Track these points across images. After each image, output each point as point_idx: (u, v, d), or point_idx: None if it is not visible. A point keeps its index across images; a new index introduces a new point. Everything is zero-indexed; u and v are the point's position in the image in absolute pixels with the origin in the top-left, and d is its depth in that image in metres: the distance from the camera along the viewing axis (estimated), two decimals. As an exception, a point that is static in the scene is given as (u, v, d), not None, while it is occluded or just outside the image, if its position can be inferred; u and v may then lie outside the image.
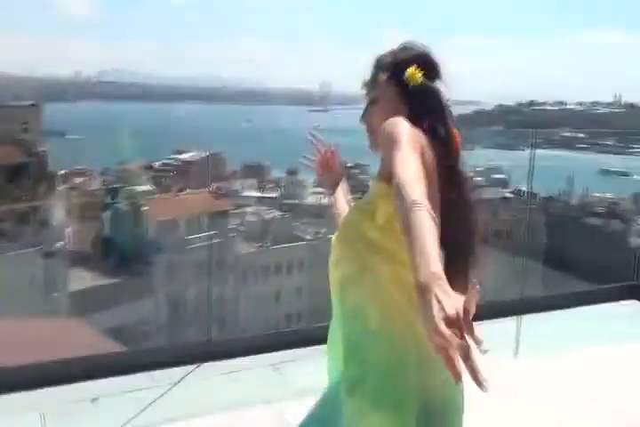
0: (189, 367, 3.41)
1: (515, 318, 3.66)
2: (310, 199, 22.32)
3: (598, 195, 32.61)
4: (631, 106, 73.92)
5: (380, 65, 1.39)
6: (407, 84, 1.33)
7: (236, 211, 19.01)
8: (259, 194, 23.28)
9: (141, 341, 15.56)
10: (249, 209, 21.07)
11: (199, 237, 19.11)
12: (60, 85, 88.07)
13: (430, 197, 1.07)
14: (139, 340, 15.28)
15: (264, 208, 21.04)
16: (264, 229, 19.47)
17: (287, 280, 18.64)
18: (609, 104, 75.34)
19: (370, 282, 1.25)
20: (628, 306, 4.02)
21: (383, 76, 1.38)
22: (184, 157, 34.16)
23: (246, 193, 22.33)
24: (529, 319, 3.71)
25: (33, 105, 20.52)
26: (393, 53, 1.39)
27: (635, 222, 27.43)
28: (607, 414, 2.92)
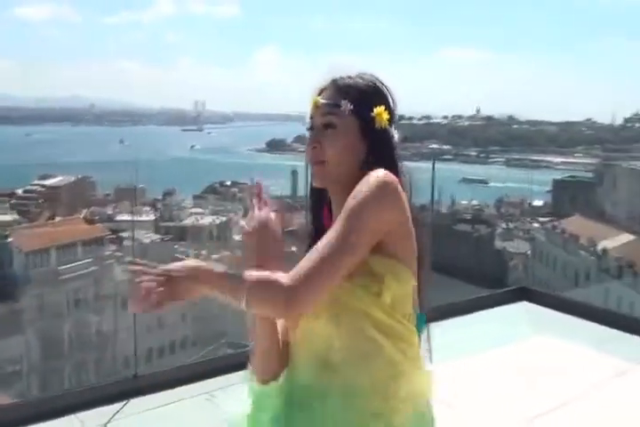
0: (117, 406, 3.29)
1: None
2: (188, 220, 21.92)
3: (465, 202, 34.71)
4: (488, 118, 79.55)
5: (345, 91, 1.31)
6: (372, 122, 1.31)
7: (111, 236, 18.24)
8: (134, 217, 22.52)
9: (11, 382, 14.53)
10: (125, 234, 20.33)
11: (73, 266, 18.16)
12: None
13: (410, 249, 1.22)
14: (8, 382, 14.28)
15: (142, 232, 20.37)
16: (143, 253, 18.83)
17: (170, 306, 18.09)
18: (470, 117, 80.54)
19: (377, 365, 1.18)
20: (520, 307, 4.36)
21: (348, 106, 1.29)
22: (50, 182, 32.40)
23: (120, 217, 21.51)
24: (436, 327, 3.87)
25: None
26: (358, 84, 1.34)
27: (498, 226, 29.44)
28: (514, 410, 3.12)
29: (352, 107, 1.29)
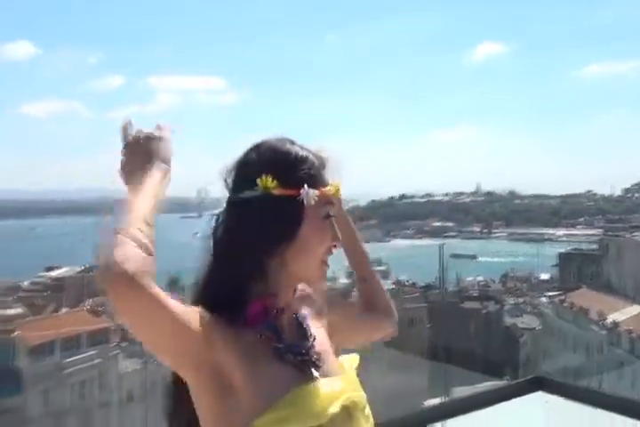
0: None
1: (439, 424, 3.67)
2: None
3: (470, 279, 34.53)
4: (489, 193, 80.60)
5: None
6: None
7: (116, 328, 18.08)
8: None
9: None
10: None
11: (78, 359, 17.89)
12: None
13: None
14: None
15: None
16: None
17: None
18: (471, 193, 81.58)
19: None
20: (536, 398, 4.24)
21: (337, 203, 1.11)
22: (55, 273, 32.49)
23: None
24: (453, 423, 3.73)
25: None
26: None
27: (506, 302, 29.10)
28: None
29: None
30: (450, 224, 73.01)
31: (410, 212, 75.01)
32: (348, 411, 0.94)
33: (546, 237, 63.72)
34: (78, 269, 30.19)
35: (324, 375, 0.95)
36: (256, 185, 0.98)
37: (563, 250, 37.91)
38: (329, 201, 1.02)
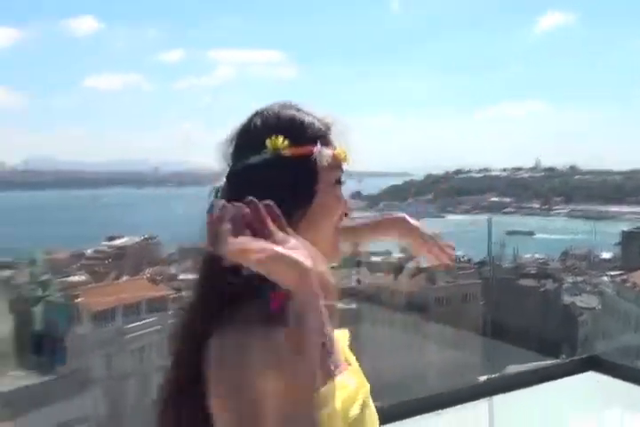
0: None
1: (486, 400, 3.64)
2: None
3: (528, 256, 33.84)
4: (550, 169, 78.30)
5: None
6: None
7: (175, 295, 18.60)
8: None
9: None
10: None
11: (139, 325, 18.51)
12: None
13: None
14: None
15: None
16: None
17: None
18: (530, 169, 79.38)
19: None
20: (588, 378, 4.15)
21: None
22: (117, 243, 33.54)
23: (183, 276, 21.95)
24: (499, 400, 3.70)
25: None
26: None
27: (565, 281, 28.47)
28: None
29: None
30: (507, 200, 71.47)
31: (466, 187, 73.72)
32: (361, 407, 0.90)
33: (608, 214, 61.66)
34: (138, 239, 31.10)
35: (335, 366, 0.90)
36: (264, 148, 0.90)
37: (626, 228, 36.63)
38: (339, 165, 0.96)
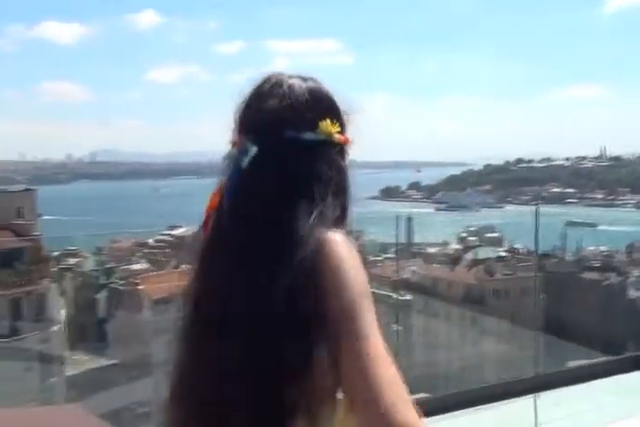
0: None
1: (531, 396, 3.54)
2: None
3: (592, 248, 32.75)
4: (616, 158, 75.34)
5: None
6: None
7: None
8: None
9: (140, 424, 15.11)
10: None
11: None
12: (52, 168, 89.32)
13: None
14: (137, 422, 14.83)
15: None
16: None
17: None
18: (595, 158, 76.57)
19: None
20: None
21: None
22: (178, 232, 34.28)
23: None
24: (545, 397, 3.60)
25: (28, 190, 20.78)
26: None
27: (631, 275, 27.44)
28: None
29: None
30: (571, 191, 69.36)
31: (527, 177, 71.86)
32: None
33: (681, 206, 58.95)
34: (196, 229, 31.70)
35: None
36: (316, 128, 0.90)
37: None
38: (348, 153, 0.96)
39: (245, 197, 0.88)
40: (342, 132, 0.93)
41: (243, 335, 0.83)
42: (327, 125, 0.90)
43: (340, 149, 0.92)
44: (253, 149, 0.90)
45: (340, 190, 0.90)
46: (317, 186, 0.87)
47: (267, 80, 0.94)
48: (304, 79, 0.95)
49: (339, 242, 0.84)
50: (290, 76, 0.95)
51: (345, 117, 0.95)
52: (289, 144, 0.90)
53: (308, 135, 0.90)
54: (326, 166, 0.89)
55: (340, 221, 0.90)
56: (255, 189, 0.88)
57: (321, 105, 0.92)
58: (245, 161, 0.89)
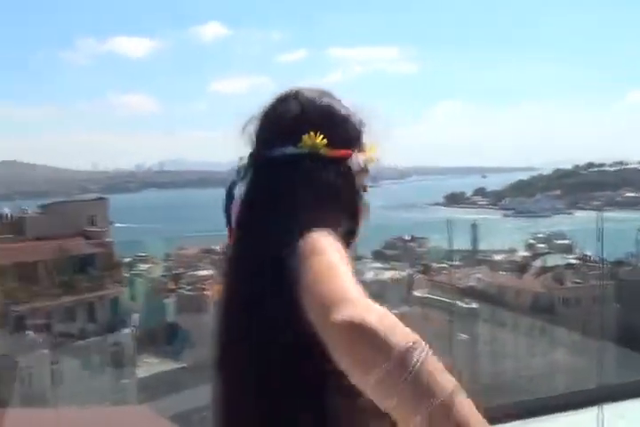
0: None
1: (595, 408, 3.43)
2: (369, 275, 22.19)
3: (669, 256, 31.18)
4: (693, 162, 71.80)
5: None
6: None
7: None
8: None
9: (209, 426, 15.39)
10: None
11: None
12: (122, 177, 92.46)
13: None
14: (206, 425, 15.10)
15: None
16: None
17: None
18: (671, 161, 73.19)
19: None
20: None
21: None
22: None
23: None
24: (610, 409, 3.48)
25: (100, 198, 21.65)
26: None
27: None
28: None
29: None
30: (645, 195, 66.50)
31: (598, 181, 69.40)
32: None
33: None
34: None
35: None
36: (299, 142, 0.87)
37: None
38: (366, 169, 0.91)
39: (243, 210, 0.95)
40: (351, 145, 0.89)
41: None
42: (310, 138, 0.86)
43: (334, 162, 0.88)
44: (247, 166, 0.95)
45: (334, 205, 0.87)
46: (299, 201, 0.85)
47: (276, 97, 0.96)
48: (312, 94, 0.94)
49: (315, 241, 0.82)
50: (296, 93, 0.94)
51: (361, 130, 0.93)
52: (273, 160, 0.90)
53: (289, 150, 0.88)
54: (306, 181, 0.86)
55: (348, 236, 0.89)
56: (246, 205, 0.94)
57: (310, 118, 0.89)
58: (242, 177, 0.96)
